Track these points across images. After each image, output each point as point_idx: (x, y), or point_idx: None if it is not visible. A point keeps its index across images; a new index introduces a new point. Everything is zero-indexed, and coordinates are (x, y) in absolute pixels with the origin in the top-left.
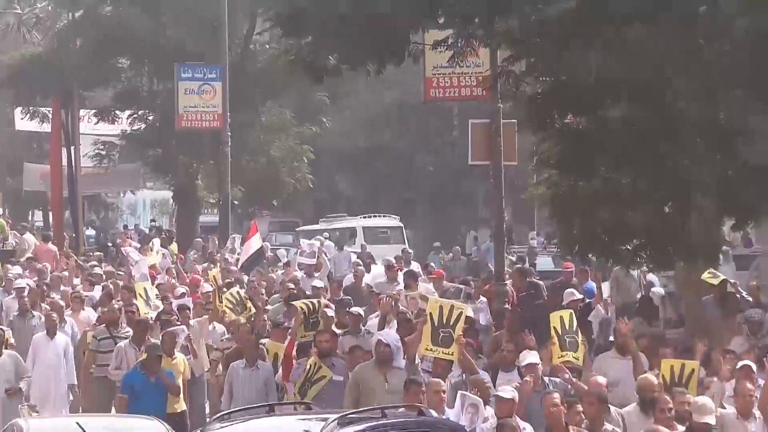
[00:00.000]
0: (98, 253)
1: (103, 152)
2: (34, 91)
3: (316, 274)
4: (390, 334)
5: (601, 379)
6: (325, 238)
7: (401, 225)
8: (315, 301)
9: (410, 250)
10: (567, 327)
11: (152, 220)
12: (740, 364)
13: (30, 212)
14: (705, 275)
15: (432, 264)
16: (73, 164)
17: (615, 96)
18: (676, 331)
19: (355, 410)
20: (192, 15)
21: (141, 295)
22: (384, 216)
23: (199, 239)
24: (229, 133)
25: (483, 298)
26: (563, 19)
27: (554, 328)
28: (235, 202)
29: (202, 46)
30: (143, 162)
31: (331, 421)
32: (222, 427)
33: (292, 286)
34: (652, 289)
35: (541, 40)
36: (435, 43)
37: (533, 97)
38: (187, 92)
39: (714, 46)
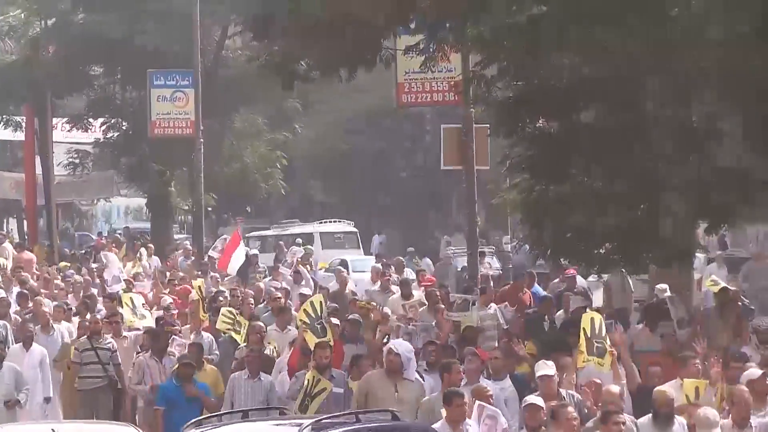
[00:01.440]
0: (65, 263)
1: (77, 160)
2: (6, 100)
3: (302, 282)
4: (402, 344)
5: (615, 389)
6: (298, 245)
7: (356, 230)
8: (314, 302)
9: (402, 258)
10: (597, 331)
11: (126, 227)
12: (748, 374)
13: (4, 220)
14: (707, 282)
15: (410, 270)
16: (48, 173)
17: (586, 99)
18: (687, 331)
19: (328, 415)
20: (164, 21)
21: (127, 305)
22: (339, 221)
23: (187, 243)
24: (202, 140)
25: (493, 305)
26: (534, 22)
27: (584, 329)
28: (209, 209)
29: (174, 52)
30: (117, 170)
31: (305, 426)
32: None
33: (279, 295)
34: (657, 287)
35: (513, 44)
36: (407, 48)
37: (504, 102)
38: (160, 99)
39: (685, 48)
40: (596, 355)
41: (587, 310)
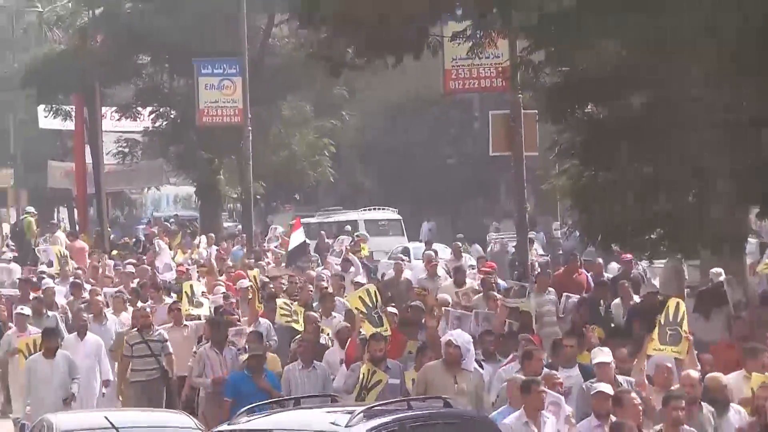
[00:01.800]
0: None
1: (126, 149)
2: (56, 90)
3: (352, 269)
4: (461, 335)
5: (694, 374)
6: (347, 233)
7: (400, 218)
8: (369, 291)
9: (459, 244)
10: (672, 318)
11: (175, 215)
12: None
13: (55, 209)
14: (760, 267)
15: (470, 257)
16: (97, 161)
17: (634, 84)
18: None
19: (380, 402)
20: (211, 10)
21: (186, 293)
22: (383, 209)
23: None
24: (250, 128)
25: (551, 289)
26: (578, 9)
27: (660, 316)
28: (258, 197)
29: (221, 41)
30: (166, 158)
31: (357, 413)
32: (248, 420)
33: (325, 285)
34: (711, 271)
35: (558, 30)
36: (453, 35)
37: (552, 88)
38: (208, 88)
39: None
40: (669, 343)
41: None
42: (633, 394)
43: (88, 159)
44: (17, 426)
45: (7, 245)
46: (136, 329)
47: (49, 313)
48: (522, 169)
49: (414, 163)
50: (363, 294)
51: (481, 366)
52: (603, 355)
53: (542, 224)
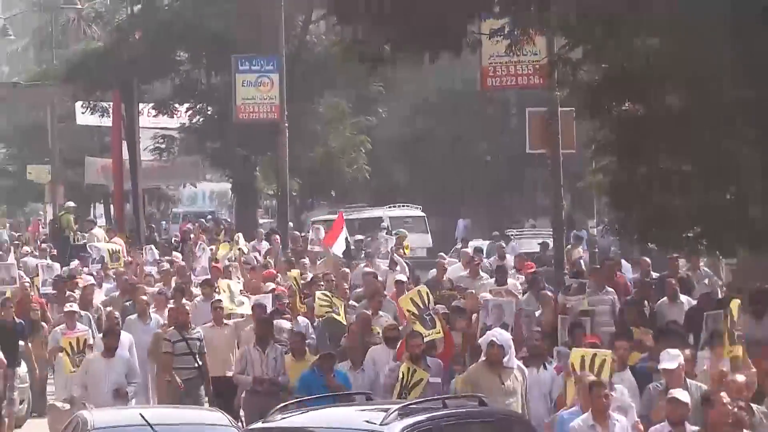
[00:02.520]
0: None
1: (163, 145)
2: (94, 86)
3: (397, 268)
4: (501, 333)
5: (741, 378)
6: (383, 229)
7: (424, 215)
8: (421, 293)
9: (503, 245)
10: (735, 319)
11: (211, 212)
12: None
13: (92, 205)
14: None
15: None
16: (134, 158)
17: (671, 81)
18: None
19: (415, 400)
20: (248, 6)
21: (225, 291)
22: (407, 206)
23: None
24: (286, 125)
25: (609, 289)
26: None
27: (727, 317)
28: (293, 193)
29: (258, 37)
30: (202, 155)
31: (392, 411)
32: (283, 418)
33: (373, 283)
34: None
35: (596, 27)
36: (491, 33)
37: (590, 85)
38: (245, 84)
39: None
40: (737, 343)
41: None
42: (723, 393)
43: (125, 155)
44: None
45: (44, 241)
46: (173, 327)
47: (82, 313)
48: (559, 167)
49: (450, 160)
50: (414, 295)
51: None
52: (670, 359)
53: (578, 222)
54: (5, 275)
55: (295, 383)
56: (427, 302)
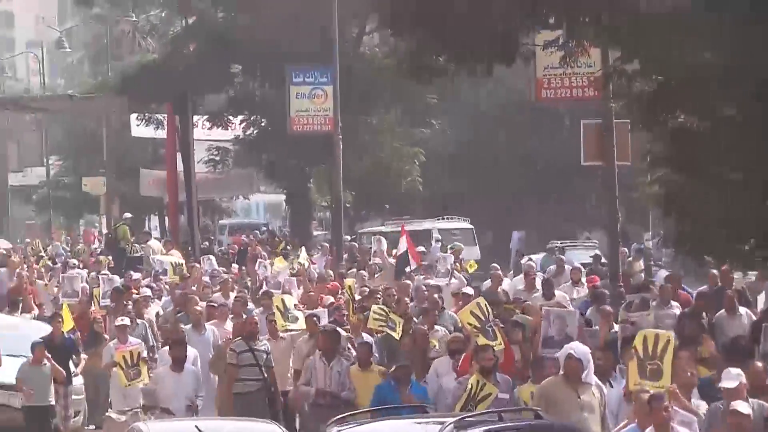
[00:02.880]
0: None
1: (217, 157)
2: (148, 98)
3: (454, 281)
4: (581, 347)
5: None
6: (437, 240)
7: (472, 227)
8: (480, 305)
9: (562, 257)
10: None
11: (265, 224)
12: None
13: (146, 217)
14: None
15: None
16: (188, 170)
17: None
18: None
19: (470, 413)
20: (302, 18)
21: (279, 308)
22: (455, 218)
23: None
24: (340, 136)
25: (674, 303)
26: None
27: None
28: (347, 205)
29: (312, 49)
30: (256, 167)
31: (448, 424)
32: (340, 430)
33: (435, 296)
34: None
35: (652, 38)
36: (545, 44)
37: (645, 96)
38: (299, 96)
39: None
40: None
41: None
42: None
43: (179, 167)
44: None
45: (100, 253)
46: (240, 338)
47: (138, 321)
48: (614, 179)
49: (503, 172)
50: (474, 308)
51: None
52: (730, 378)
53: (633, 235)
54: (68, 288)
55: (357, 395)
56: (487, 314)
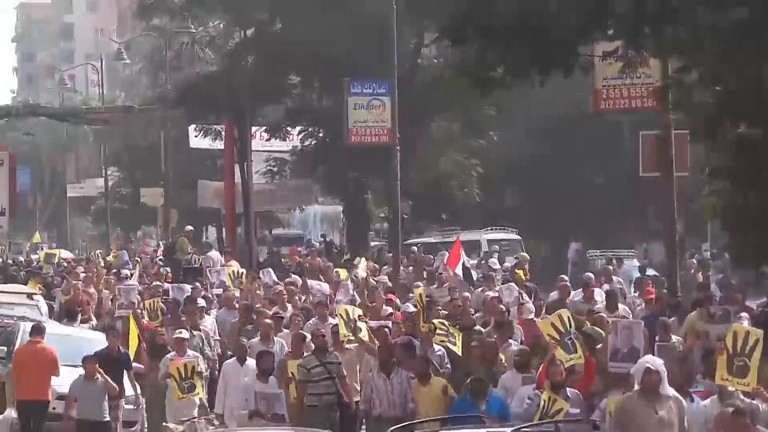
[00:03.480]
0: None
1: (275, 168)
2: (207, 109)
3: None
4: (655, 360)
5: None
6: (495, 252)
7: (519, 238)
8: (562, 316)
9: (611, 268)
10: None
11: (322, 235)
12: None
13: (204, 228)
14: None
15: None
16: (246, 181)
17: None
18: None
19: (527, 424)
20: (360, 29)
21: (342, 317)
22: (504, 229)
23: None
24: (398, 148)
25: (744, 314)
26: (735, 27)
27: None
28: (404, 216)
29: (370, 60)
30: (314, 178)
31: None
32: None
33: (502, 308)
34: None
35: (712, 50)
36: (604, 54)
37: (705, 107)
38: (357, 107)
39: None
40: None
41: None
42: None
43: (237, 178)
44: None
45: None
46: (312, 353)
47: (195, 332)
48: (673, 190)
49: (562, 182)
50: (555, 320)
51: None
52: None
53: (691, 246)
54: (124, 300)
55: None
56: (568, 326)
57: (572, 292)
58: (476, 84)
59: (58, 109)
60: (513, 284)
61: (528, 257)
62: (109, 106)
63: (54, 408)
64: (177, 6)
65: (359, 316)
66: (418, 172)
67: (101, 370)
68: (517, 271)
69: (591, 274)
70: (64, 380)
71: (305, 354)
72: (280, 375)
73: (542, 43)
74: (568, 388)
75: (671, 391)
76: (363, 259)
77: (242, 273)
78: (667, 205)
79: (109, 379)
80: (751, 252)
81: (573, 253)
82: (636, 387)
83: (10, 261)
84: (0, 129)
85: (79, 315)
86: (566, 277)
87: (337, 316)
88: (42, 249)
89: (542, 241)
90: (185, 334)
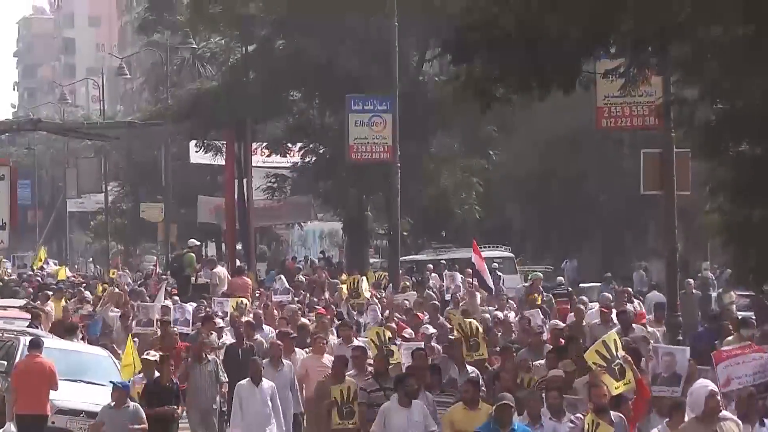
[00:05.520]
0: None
1: (275, 185)
2: (208, 125)
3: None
4: (711, 384)
5: None
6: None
7: (512, 255)
8: (607, 342)
9: (631, 290)
10: None
11: (321, 252)
12: None
13: (204, 244)
14: None
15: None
16: (246, 197)
17: None
18: None
19: None
20: (362, 46)
21: (373, 341)
22: (497, 247)
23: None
24: (399, 165)
25: None
26: (738, 44)
27: None
28: (404, 233)
29: (371, 77)
30: (314, 194)
31: None
32: None
33: (537, 330)
34: None
35: (715, 66)
36: (606, 72)
37: (707, 124)
38: (358, 124)
39: None
40: None
41: None
42: None
43: (237, 194)
44: None
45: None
46: (371, 377)
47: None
48: (673, 208)
49: (564, 199)
50: (600, 347)
51: None
52: None
53: (692, 264)
54: (143, 317)
55: None
56: (615, 351)
57: (588, 314)
58: (477, 99)
59: (61, 124)
60: (537, 310)
61: (542, 276)
62: (110, 121)
63: (53, 422)
64: (178, 22)
65: (389, 338)
66: (418, 189)
67: (133, 397)
68: (531, 297)
69: (609, 295)
70: (63, 394)
71: (347, 376)
72: (318, 400)
73: (544, 60)
74: (612, 412)
75: (728, 413)
76: (365, 278)
77: (246, 305)
78: (668, 223)
79: (140, 409)
80: (754, 269)
81: (569, 271)
82: (690, 413)
83: (14, 276)
84: (0, 143)
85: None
86: (585, 299)
87: (368, 339)
88: (48, 264)
89: (543, 258)
90: (155, 356)
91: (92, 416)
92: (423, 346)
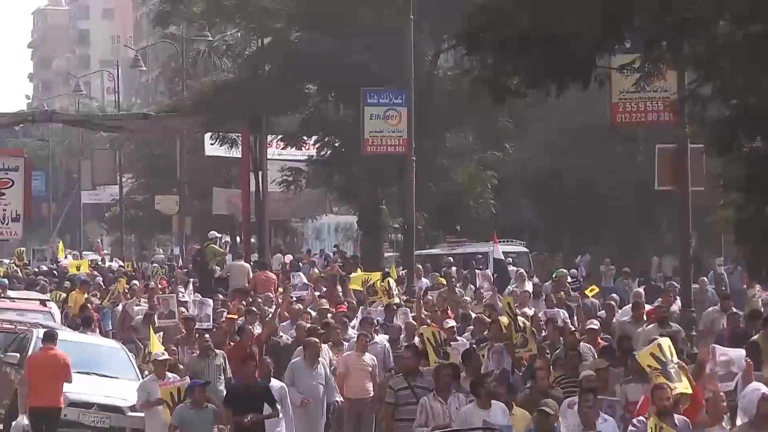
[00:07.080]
0: None
1: (290, 178)
2: (223, 117)
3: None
4: (763, 386)
5: None
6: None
7: (527, 250)
8: (662, 346)
9: (662, 286)
10: None
11: (335, 246)
12: None
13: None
14: None
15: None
16: (261, 189)
17: None
18: None
19: None
20: (377, 40)
21: (430, 341)
22: (510, 242)
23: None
24: (414, 158)
25: None
26: (752, 41)
27: None
28: (419, 227)
29: (387, 70)
30: (328, 187)
31: None
32: None
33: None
34: None
35: (729, 62)
36: (621, 67)
37: (721, 120)
38: (373, 117)
39: None
40: None
41: None
42: None
43: (253, 187)
44: None
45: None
46: (401, 374)
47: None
48: (687, 204)
49: (577, 195)
50: (655, 349)
51: None
52: None
53: (705, 260)
54: (164, 309)
55: None
56: (670, 355)
57: (621, 311)
58: (491, 92)
59: (77, 116)
60: (559, 310)
61: (566, 272)
62: (125, 112)
63: (65, 415)
64: (194, 14)
65: (445, 339)
66: (433, 183)
67: (212, 397)
68: (558, 295)
69: (641, 291)
70: (76, 387)
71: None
72: (382, 401)
73: (559, 56)
74: (675, 415)
75: None
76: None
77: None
78: (682, 218)
79: (217, 406)
80: (763, 264)
81: (584, 266)
82: (743, 417)
83: (35, 269)
84: (14, 134)
85: (95, 323)
86: (616, 296)
87: (425, 340)
88: (67, 258)
89: (554, 254)
90: (166, 356)
91: (104, 409)
92: (469, 346)
